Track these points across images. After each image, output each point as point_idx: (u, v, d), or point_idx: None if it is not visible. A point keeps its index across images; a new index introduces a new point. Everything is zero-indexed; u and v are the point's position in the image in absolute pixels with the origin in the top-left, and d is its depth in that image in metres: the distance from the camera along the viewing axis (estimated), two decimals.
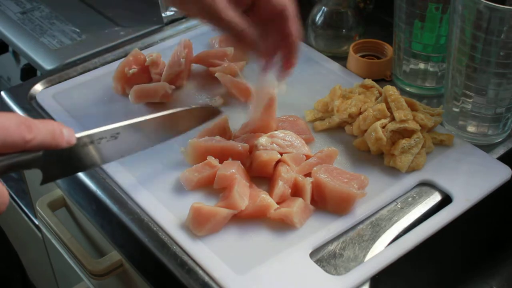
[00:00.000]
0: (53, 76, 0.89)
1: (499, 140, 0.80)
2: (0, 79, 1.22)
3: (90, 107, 0.84)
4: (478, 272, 0.85)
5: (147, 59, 0.85)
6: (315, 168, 0.71)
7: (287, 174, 0.70)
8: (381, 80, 0.89)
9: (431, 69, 0.85)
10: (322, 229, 0.67)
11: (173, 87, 0.84)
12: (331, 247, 0.67)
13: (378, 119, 0.74)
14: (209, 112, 0.75)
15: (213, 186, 0.70)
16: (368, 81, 0.82)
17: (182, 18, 1.02)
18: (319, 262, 0.65)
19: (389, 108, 0.75)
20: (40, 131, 0.53)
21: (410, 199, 0.72)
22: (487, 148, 0.78)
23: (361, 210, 0.69)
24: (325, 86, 0.85)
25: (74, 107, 0.83)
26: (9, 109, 0.85)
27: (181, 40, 0.87)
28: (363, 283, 0.63)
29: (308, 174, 0.71)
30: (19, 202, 1.25)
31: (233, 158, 0.72)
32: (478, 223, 0.77)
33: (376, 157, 0.76)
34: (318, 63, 0.92)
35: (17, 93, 0.87)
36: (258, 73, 0.76)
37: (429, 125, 0.75)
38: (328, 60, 0.92)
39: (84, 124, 0.80)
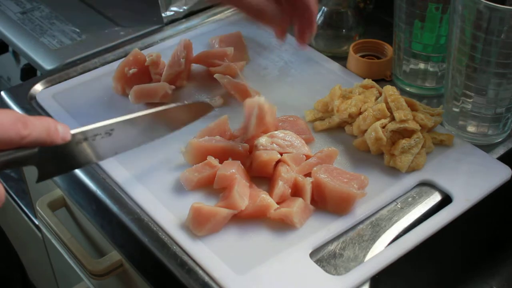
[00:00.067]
0: (53, 76, 0.89)
1: (499, 140, 0.80)
2: (0, 79, 1.22)
3: (90, 107, 0.84)
4: (478, 272, 0.85)
5: (147, 59, 0.85)
6: (315, 168, 0.71)
7: (287, 174, 0.70)
8: (381, 80, 0.89)
9: (431, 69, 0.85)
10: (322, 229, 0.67)
11: (173, 87, 0.84)
12: (331, 247, 0.67)
13: (378, 119, 0.74)
14: (202, 108, 0.75)
15: (213, 186, 0.70)
16: (368, 81, 0.82)
17: (182, 18, 1.02)
18: (319, 262, 0.65)
19: (389, 108, 0.75)
20: (35, 128, 0.53)
21: (410, 199, 0.72)
22: (487, 148, 0.78)
23: (361, 210, 0.69)
24: (325, 86, 0.85)
25: (74, 107, 0.83)
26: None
27: (181, 40, 0.87)
28: (363, 283, 0.63)
29: (308, 174, 0.71)
30: (19, 202, 1.25)
31: (233, 158, 0.72)
32: (478, 223, 0.77)
33: (376, 157, 0.76)
34: (318, 63, 0.92)
35: (17, 93, 0.87)
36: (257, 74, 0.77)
37: (429, 125, 0.75)
38: (328, 60, 0.93)
39: (84, 124, 0.79)
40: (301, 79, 0.89)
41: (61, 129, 0.56)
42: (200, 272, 0.64)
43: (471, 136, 0.79)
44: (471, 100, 0.76)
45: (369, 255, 0.66)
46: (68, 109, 0.83)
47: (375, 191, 0.71)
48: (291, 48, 0.95)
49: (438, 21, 0.80)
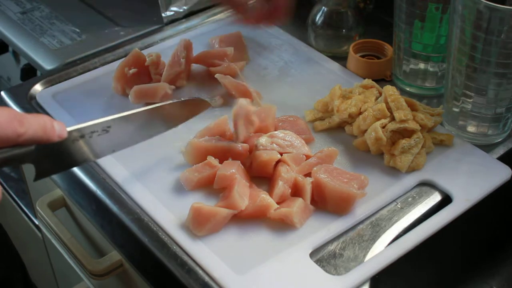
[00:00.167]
0: (53, 76, 0.89)
1: (499, 140, 0.80)
2: (0, 79, 1.22)
3: (90, 107, 0.84)
4: (478, 272, 0.85)
5: (147, 59, 0.85)
6: (315, 168, 0.71)
7: (287, 174, 0.70)
8: (381, 80, 0.89)
9: (431, 69, 0.85)
10: (322, 229, 0.67)
11: (173, 87, 0.84)
12: (331, 247, 0.67)
13: (378, 119, 0.74)
14: (198, 104, 0.75)
15: (213, 186, 0.70)
16: (368, 81, 0.82)
17: (182, 18, 1.02)
18: (319, 262, 0.65)
19: (389, 108, 0.75)
20: (31, 125, 0.53)
21: (410, 199, 0.72)
22: (487, 148, 0.78)
23: (361, 210, 0.69)
24: (325, 86, 0.85)
25: (74, 107, 0.83)
26: None
27: (181, 40, 0.87)
28: (363, 283, 0.63)
29: (308, 174, 0.71)
30: (19, 202, 1.25)
31: (233, 158, 0.72)
32: (478, 223, 0.77)
33: (376, 157, 0.76)
34: (318, 63, 0.92)
35: (17, 93, 0.87)
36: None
37: (429, 125, 0.75)
38: (328, 60, 0.93)
39: None
40: (301, 79, 0.89)
41: (57, 126, 0.56)
42: (200, 272, 0.64)
43: (471, 136, 0.79)
44: (471, 100, 0.76)
45: (369, 255, 0.66)
46: (68, 109, 0.83)
47: (375, 191, 0.71)
48: (291, 48, 0.95)
49: (438, 21, 0.80)
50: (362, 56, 0.91)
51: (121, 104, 0.84)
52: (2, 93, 0.87)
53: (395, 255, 0.65)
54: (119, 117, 0.64)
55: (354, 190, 0.68)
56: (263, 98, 0.85)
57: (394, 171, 0.74)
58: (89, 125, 0.61)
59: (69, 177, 0.77)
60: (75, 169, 0.75)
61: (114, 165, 0.74)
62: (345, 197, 0.68)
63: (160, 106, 0.69)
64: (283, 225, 0.67)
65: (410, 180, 0.73)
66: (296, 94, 0.86)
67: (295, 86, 0.88)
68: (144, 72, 0.85)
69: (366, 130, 0.75)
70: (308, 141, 0.77)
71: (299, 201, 0.68)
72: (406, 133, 0.74)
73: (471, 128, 0.79)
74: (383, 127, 0.74)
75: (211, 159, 0.71)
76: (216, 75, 0.84)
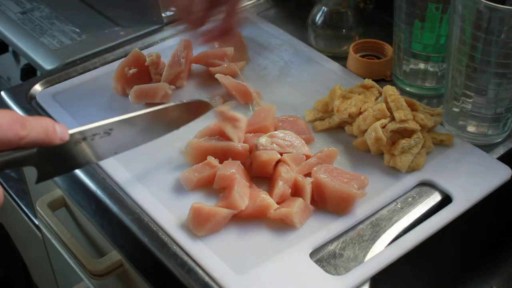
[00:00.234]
0: (53, 76, 0.89)
1: (499, 140, 0.80)
2: (0, 79, 1.22)
3: (90, 107, 0.84)
4: (478, 272, 0.85)
5: (147, 59, 0.85)
6: (315, 168, 0.71)
7: (287, 174, 0.70)
8: (381, 80, 0.89)
9: (431, 69, 0.85)
10: (322, 229, 0.67)
11: (173, 87, 0.84)
12: (331, 247, 0.67)
13: (378, 119, 0.74)
14: (201, 107, 0.75)
15: (213, 186, 0.70)
16: (368, 81, 0.82)
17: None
18: (319, 262, 0.65)
19: (389, 108, 0.75)
20: (33, 128, 0.53)
21: (410, 199, 0.72)
22: (487, 148, 0.78)
23: (361, 210, 0.69)
24: (325, 86, 0.85)
25: (74, 107, 0.83)
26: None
27: (181, 40, 0.87)
28: (363, 283, 0.63)
29: (308, 174, 0.71)
30: (19, 202, 1.25)
31: (233, 158, 0.72)
32: (478, 223, 0.77)
33: (376, 157, 0.76)
34: (318, 63, 0.92)
35: (17, 93, 0.87)
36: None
37: (429, 125, 0.75)
38: (328, 60, 0.93)
39: (83, 124, 0.80)
40: (301, 79, 0.89)
41: (59, 129, 0.56)
42: (200, 272, 0.64)
43: (471, 136, 0.79)
44: (471, 100, 0.76)
45: (369, 255, 0.66)
46: (68, 109, 0.83)
47: (375, 191, 0.71)
48: (291, 48, 0.95)
49: (438, 21, 0.80)
50: (362, 56, 0.91)
51: (121, 104, 0.84)
52: (2, 93, 0.87)
53: (395, 255, 0.65)
54: (121, 120, 0.64)
55: (354, 190, 0.68)
56: (263, 98, 0.85)
57: (394, 171, 0.74)
58: (91, 128, 0.61)
59: (69, 177, 0.77)
60: (75, 170, 0.75)
61: (114, 166, 0.74)
62: (345, 197, 0.68)
63: (163, 108, 0.69)
64: (283, 225, 0.67)
65: (410, 180, 0.73)
66: (296, 94, 0.86)
67: (295, 86, 0.88)
68: (144, 72, 0.85)
69: (366, 130, 0.75)
70: (308, 141, 0.77)
71: (299, 201, 0.68)
72: (406, 133, 0.74)
73: (471, 128, 0.79)
74: (383, 127, 0.74)
75: (211, 159, 0.71)
76: (216, 75, 0.84)
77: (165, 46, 0.95)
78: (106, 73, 0.89)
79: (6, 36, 1.02)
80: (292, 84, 0.88)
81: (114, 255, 0.78)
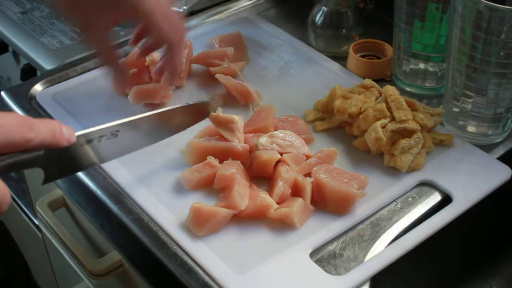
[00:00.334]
0: (53, 76, 0.89)
1: (499, 140, 0.80)
2: (0, 79, 1.22)
3: (90, 107, 0.84)
4: (478, 272, 0.85)
5: (147, 59, 0.84)
6: (315, 168, 0.71)
7: (287, 174, 0.70)
8: (381, 80, 0.89)
9: (431, 69, 0.85)
10: (322, 229, 0.67)
11: (173, 87, 0.84)
12: (331, 247, 0.67)
13: (378, 119, 0.74)
14: (206, 109, 0.75)
15: (213, 186, 0.70)
16: (368, 81, 0.82)
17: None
18: (319, 262, 0.65)
19: (389, 108, 0.75)
20: (40, 130, 0.53)
21: (410, 199, 0.72)
22: (487, 148, 0.78)
23: (361, 210, 0.69)
24: (325, 86, 0.85)
25: (74, 107, 0.83)
26: (9, 109, 0.85)
27: None
28: (363, 283, 0.63)
29: (308, 174, 0.71)
30: (19, 202, 1.25)
31: (233, 158, 0.72)
32: (478, 223, 0.77)
33: (376, 157, 0.76)
34: (318, 63, 0.92)
35: (17, 93, 0.87)
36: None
37: (429, 125, 0.75)
38: (328, 60, 0.93)
39: (84, 124, 0.80)
40: (301, 79, 0.89)
41: (66, 131, 0.56)
42: (200, 272, 0.64)
43: (471, 136, 0.79)
44: (471, 100, 0.76)
45: (369, 255, 0.66)
46: (68, 109, 0.83)
47: (375, 191, 0.71)
48: (291, 48, 0.95)
49: (438, 21, 0.80)
50: (362, 56, 0.91)
51: (121, 104, 0.84)
52: (2, 93, 0.87)
53: (395, 255, 0.65)
54: (128, 121, 0.65)
55: (354, 190, 0.68)
56: (263, 98, 0.85)
57: (394, 171, 0.74)
58: (98, 130, 0.62)
59: (69, 177, 0.77)
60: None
61: (114, 166, 0.74)
62: (345, 197, 0.68)
63: (170, 110, 0.70)
64: (283, 225, 0.67)
65: (410, 180, 0.73)
66: (296, 94, 0.86)
67: (295, 86, 0.88)
68: (144, 72, 0.85)
69: (366, 130, 0.75)
70: (308, 141, 0.77)
71: (299, 201, 0.68)
72: (406, 133, 0.74)
73: (471, 128, 0.79)
74: (383, 127, 0.74)
75: (211, 159, 0.71)
76: (216, 75, 0.84)
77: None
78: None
79: (6, 36, 1.02)
80: (292, 84, 0.88)
81: (114, 255, 0.78)
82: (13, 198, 1.25)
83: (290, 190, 0.70)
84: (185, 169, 0.72)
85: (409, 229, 0.68)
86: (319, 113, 0.81)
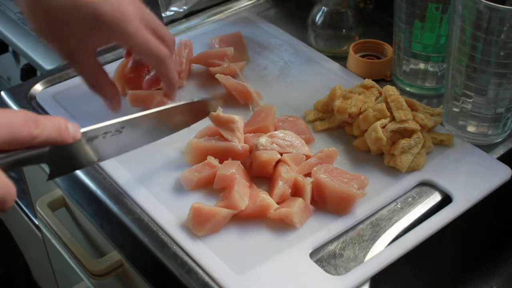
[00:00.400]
0: (53, 76, 0.89)
1: (499, 140, 0.80)
2: (0, 79, 1.22)
3: (90, 107, 0.83)
4: (478, 272, 0.85)
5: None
6: (315, 168, 0.71)
7: (287, 174, 0.70)
8: (381, 80, 0.89)
9: (431, 69, 0.85)
10: (322, 229, 0.67)
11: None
12: (331, 247, 0.67)
13: (378, 119, 0.74)
14: (209, 106, 0.75)
15: (213, 186, 0.70)
16: (368, 81, 0.82)
17: (182, 18, 1.02)
18: (319, 262, 0.65)
19: (389, 108, 0.75)
20: (46, 127, 0.54)
21: (410, 199, 0.72)
22: (487, 148, 0.78)
23: (361, 210, 0.69)
24: (325, 86, 0.85)
25: (74, 107, 0.83)
26: None
27: (182, 40, 0.87)
28: (363, 283, 0.63)
29: (308, 174, 0.71)
30: (19, 202, 1.25)
31: (233, 158, 0.72)
32: (478, 223, 0.77)
33: (376, 157, 0.76)
34: (318, 63, 0.92)
35: (17, 93, 0.87)
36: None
37: (429, 125, 0.75)
38: (328, 60, 0.93)
39: (84, 124, 0.78)
40: (301, 79, 0.89)
41: (71, 128, 0.57)
42: (200, 272, 0.64)
43: (471, 136, 0.79)
44: (471, 100, 0.76)
45: (369, 255, 0.66)
46: (68, 109, 0.83)
47: (375, 191, 0.71)
48: (291, 48, 0.95)
49: (438, 21, 0.80)
50: (362, 56, 0.91)
51: (121, 104, 0.84)
52: (2, 93, 0.87)
53: (395, 255, 0.65)
54: (132, 118, 0.65)
55: (354, 190, 0.68)
56: (263, 98, 0.85)
57: (394, 171, 0.74)
58: (102, 126, 0.62)
59: (69, 177, 0.77)
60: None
61: (114, 166, 0.74)
62: (345, 197, 0.68)
63: (174, 107, 0.71)
64: (283, 225, 0.67)
65: (410, 180, 0.73)
66: (296, 94, 0.86)
67: (295, 86, 0.88)
68: (141, 77, 0.85)
69: (366, 130, 0.75)
70: (308, 141, 0.77)
71: (299, 201, 0.68)
72: (406, 133, 0.74)
73: (471, 128, 0.79)
74: (383, 127, 0.74)
75: (211, 159, 0.71)
76: (216, 75, 0.84)
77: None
78: None
79: (6, 36, 1.02)
80: (292, 84, 0.88)
81: (114, 255, 0.78)
82: None
83: (290, 190, 0.70)
84: (185, 169, 0.72)
85: (409, 229, 0.68)
86: (319, 113, 0.81)
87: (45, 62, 0.95)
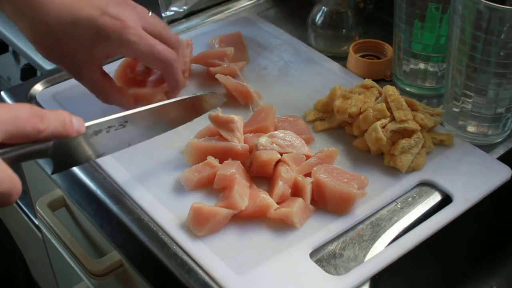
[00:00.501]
0: (53, 76, 0.89)
1: (499, 140, 0.80)
2: (0, 79, 1.22)
3: (90, 107, 0.83)
4: (478, 272, 0.85)
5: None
6: (315, 168, 0.71)
7: (287, 174, 0.70)
8: (381, 80, 0.89)
9: (431, 69, 0.85)
10: (322, 229, 0.67)
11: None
12: (331, 247, 0.67)
13: (378, 119, 0.74)
14: (215, 99, 0.75)
15: (213, 186, 0.70)
16: (368, 81, 0.82)
17: (182, 18, 1.02)
18: (319, 262, 0.65)
19: (389, 108, 0.75)
20: (51, 121, 0.54)
21: (410, 199, 0.72)
22: (487, 148, 0.78)
23: (361, 210, 0.69)
24: (325, 86, 0.85)
25: (74, 107, 0.83)
26: None
27: (184, 40, 0.87)
28: (363, 283, 0.63)
29: (308, 174, 0.71)
30: (19, 202, 1.25)
31: (233, 158, 0.72)
32: (478, 223, 0.77)
33: (376, 157, 0.76)
34: (318, 63, 0.92)
35: (17, 93, 0.87)
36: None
37: (429, 125, 0.75)
38: (328, 60, 0.93)
39: None
40: (301, 79, 0.89)
41: (76, 122, 0.57)
42: (200, 272, 0.64)
43: (471, 136, 0.79)
44: (471, 100, 0.76)
45: (369, 255, 0.66)
46: (68, 109, 0.81)
47: (375, 191, 0.71)
48: (291, 48, 0.95)
49: (438, 21, 0.80)
50: (362, 56, 0.91)
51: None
52: (2, 93, 0.87)
53: (395, 255, 0.65)
54: (136, 112, 0.65)
55: (354, 190, 0.68)
56: (263, 98, 0.85)
57: (394, 171, 0.74)
58: (106, 120, 0.62)
59: (69, 177, 0.77)
60: (75, 169, 0.75)
61: (114, 165, 0.74)
62: (345, 197, 0.68)
63: (178, 101, 0.71)
64: (283, 225, 0.67)
65: (410, 180, 0.73)
66: (296, 94, 0.86)
67: (295, 86, 0.88)
68: (144, 72, 0.85)
69: (366, 130, 0.75)
70: (308, 141, 0.77)
71: (299, 201, 0.68)
72: (406, 133, 0.74)
73: (471, 128, 0.79)
74: (383, 127, 0.74)
75: (211, 159, 0.71)
76: (216, 75, 0.84)
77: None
78: None
79: (6, 36, 1.02)
80: (292, 84, 0.88)
81: (114, 255, 0.78)
82: None
83: (290, 190, 0.70)
84: (185, 169, 0.72)
85: (409, 229, 0.68)
86: (319, 113, 0.81)
87: (45, 62, 0.95)
